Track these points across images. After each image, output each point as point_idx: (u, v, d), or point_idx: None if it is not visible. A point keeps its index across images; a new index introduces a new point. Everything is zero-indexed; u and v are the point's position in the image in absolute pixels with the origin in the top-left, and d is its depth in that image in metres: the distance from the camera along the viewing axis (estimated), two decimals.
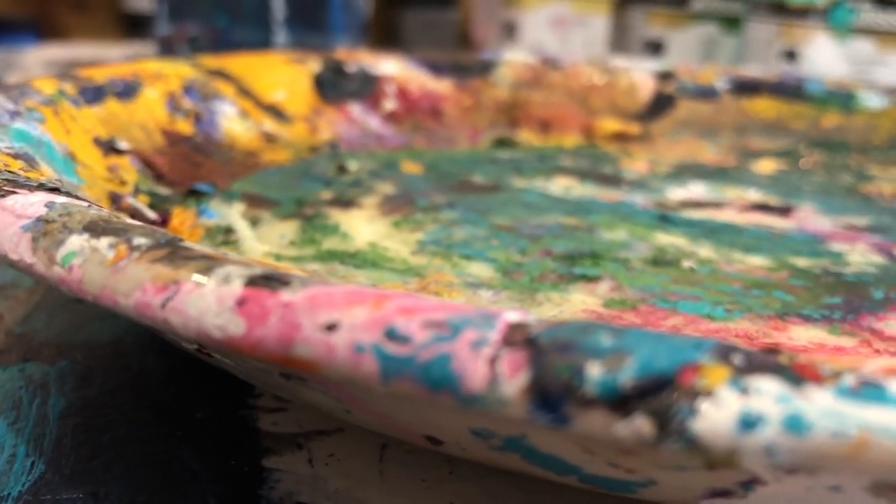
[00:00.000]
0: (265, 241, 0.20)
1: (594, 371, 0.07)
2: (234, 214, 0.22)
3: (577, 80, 0.38)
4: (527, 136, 0.35)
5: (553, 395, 0.07)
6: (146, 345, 0.18)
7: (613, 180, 0.29)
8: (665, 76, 0.38)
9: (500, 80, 0.37)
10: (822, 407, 0.07)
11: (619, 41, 0.61)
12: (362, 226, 0.21)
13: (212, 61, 0.31)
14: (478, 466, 0.14)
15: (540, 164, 0.31)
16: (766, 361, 0.08)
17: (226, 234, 0.20)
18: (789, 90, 0.36)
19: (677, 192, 0.27)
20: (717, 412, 0.07)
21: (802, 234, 0.23)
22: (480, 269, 0.19)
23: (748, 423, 0.07)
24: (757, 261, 0.20)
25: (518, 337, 0.08)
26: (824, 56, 0.50)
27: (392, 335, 0.08)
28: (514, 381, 0.08)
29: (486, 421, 0.09)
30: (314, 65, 0.34)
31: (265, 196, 0.24)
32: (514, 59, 0.38)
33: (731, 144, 0.35)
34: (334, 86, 0.34)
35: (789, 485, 0.09)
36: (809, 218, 0.25)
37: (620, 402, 0.07)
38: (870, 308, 0.18)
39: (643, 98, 0.38)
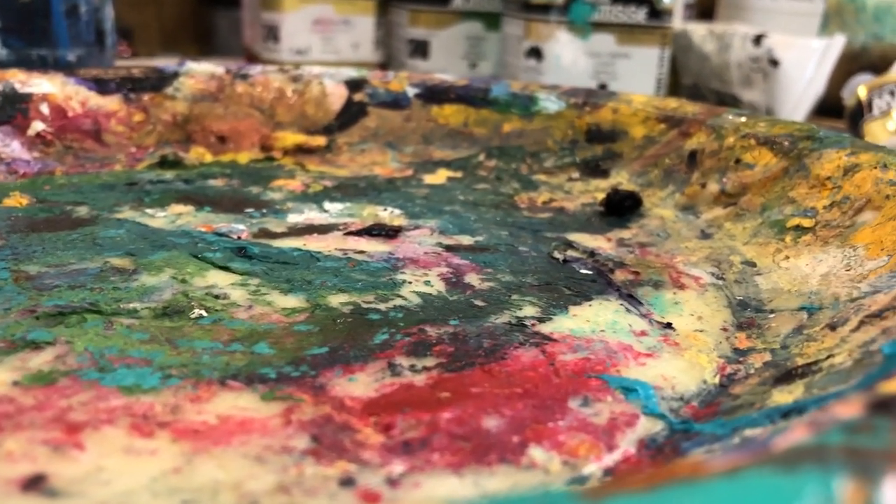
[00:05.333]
0: None
1: None
2: None
3: (265, 90, 0.36)
4: (199, 153, 0.33)
5: None
6: None
7: (238, 205, 0.26)
8: (357, 84, 0.36)
9: (178, 93, 0.35)
10: None
11: (386, 41, 0.60)
12: None
13: None
14: None
15: (182, 187, 0.28)
16: None
17: None
18: (477, 95, 0.35)
19: (301, 216, 0.26)
20: None
21: (385, 261, 0.22)
22: None
23: None
24: (288, 302, 0.19)
25: None
26: (567, 52, 0.50)
27: None
28: None
29: None
30: None
31: None
32: (197, 70, 0.36)
33: (416, 153, 0.34)
34: None
35: None
36: (416, 239, 0.24)
37: None
38: (346, 359, 0.16)
39: (334, 107, 0.36)
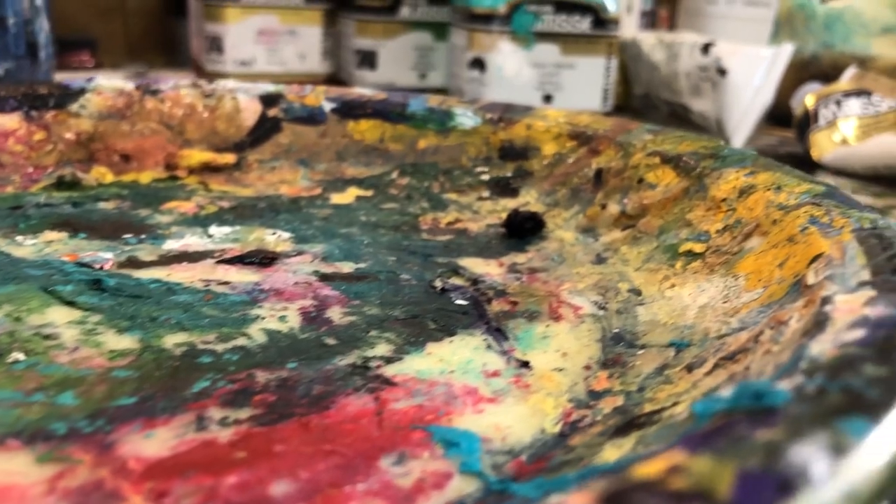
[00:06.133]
0: None
1: None
2: None
3: (176, 105, 0.34)
4: (100, 173, 0.32)
5: None
6: None
7: (118, 231, 0.25)
8: (272, 99, 0.35)
9: (84, 110, 0.33)
10: None
11: (334, 52, 0.59)
12: None
13: None
14: None
15: (68, 210, 0.27)
16: None
17: None
18: (394, 110, 0.34)
19: (178, 243, 0.24)
20: None
21: (247, 294, 0.20)
22: None
23: None
24: (120, 343, 0.17)
25: None
26: (510, 63, 0.49)
27: None
28: None
29: None
30: None
31: None
32: (105, 86, 0.34)
33: (328, 171, 0.33)
34: None
35: None
36: (292, 267, 0.22)
37: None
38: (152, 412, 0.15)
39: (247, 123, 0.34)
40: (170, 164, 0.33)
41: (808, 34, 0.51)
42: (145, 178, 0.32)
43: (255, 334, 0.18)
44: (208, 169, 0.33)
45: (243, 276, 0.22)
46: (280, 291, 0.21)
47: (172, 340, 0.17)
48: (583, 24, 0.49)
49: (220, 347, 0.17)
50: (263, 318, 0.19)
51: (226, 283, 0.21)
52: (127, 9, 1.24)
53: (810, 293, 0.15)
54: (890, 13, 0.51)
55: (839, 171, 0.43)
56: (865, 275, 0.14)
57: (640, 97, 0.57)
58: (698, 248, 0.21)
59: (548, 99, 0.50)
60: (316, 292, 0.21)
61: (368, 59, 0.57)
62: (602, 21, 0.49)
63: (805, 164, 0.45)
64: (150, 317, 0.19)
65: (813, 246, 0.17)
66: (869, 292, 0.13)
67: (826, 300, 0.14)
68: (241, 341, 0.18)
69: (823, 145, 0.44)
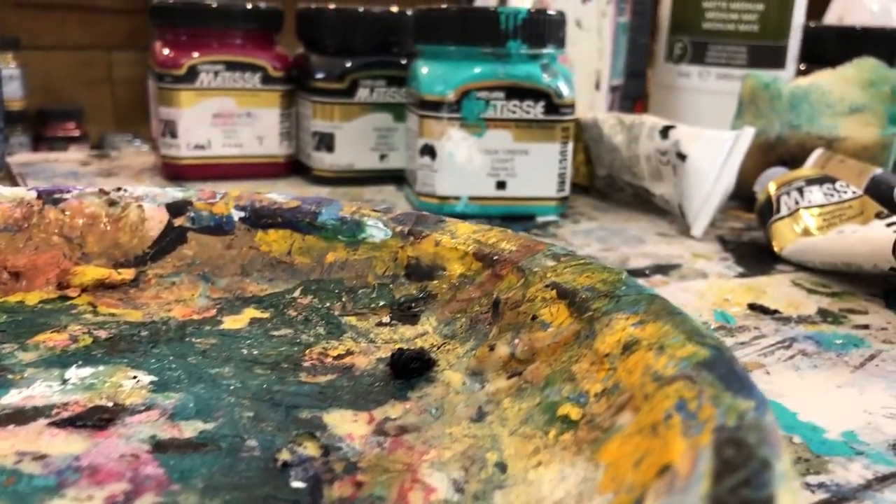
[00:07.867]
0: None
1: None
2: None
3: (79, 215, 0.33)
4: None
5: None
6: None
7: None
8: (179, 207, 0.33)
9: None
10: None
11: (293, 133, 0.57)
12: None
13: None
14: None
15: None
16: None
17: None
18: (304, 220, 0.31)
19: (22, 394, 0.22)
20: None
21: (57, 474, 0.18)
22: None
23: None
24: None
25: None
26: (461, 150, 0.47)
27: None
28: None
29: None
30: None
31: None
32: (5, 195, 0.32)
33: (229, 287, 0.30)
34: None
35: None
36: (129, 430, 0.20)
37: None
38: None
39: (151, 234, 0.32)
40: (62, 282, 0.31)
41: (772, 115, 0.49)
42: (33, 298, 0.30)
43: None
44: (103, 286, 0.31)
45: (67, 446, 0.19)
46: (96, 470, 0.18)
47: None
48: (535, 110, 0.47)
49: None
50: None
51: (42, 456, 0.19)
52: (114, 79, 1.24)
53: None
54: (857, 92, 0.49)
55: (800, 265, 0.40)
56: None
57: (603, 178, 0.55)
58: (574, 413, 0.19)
59: (501, 185, 0.48)
60: (136, 471, 0.18)
61: (326, 141, 0.55)
62: (555, 106, 0.47)
63: (768, 253, 0.42)
64: None
65: (669, 446, 0.14)
66: None
67: None
68: None
69: (784, 236, 0.42)
